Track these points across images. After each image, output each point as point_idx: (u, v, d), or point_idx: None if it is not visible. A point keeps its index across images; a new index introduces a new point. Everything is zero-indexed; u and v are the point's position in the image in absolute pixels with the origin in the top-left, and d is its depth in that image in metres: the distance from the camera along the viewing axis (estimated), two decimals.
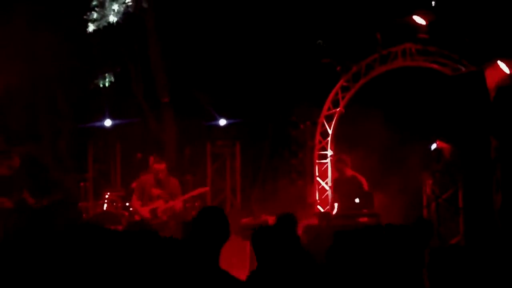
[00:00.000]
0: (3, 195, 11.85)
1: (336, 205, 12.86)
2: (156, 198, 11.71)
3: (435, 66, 12.70)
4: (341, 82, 13.58)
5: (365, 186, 12.39)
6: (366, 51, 13.34)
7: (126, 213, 12.94)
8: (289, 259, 5.97)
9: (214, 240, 5.07)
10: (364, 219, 11.57)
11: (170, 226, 11.40)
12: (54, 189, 13.37)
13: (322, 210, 13.17)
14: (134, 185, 12.43)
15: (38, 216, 12.01)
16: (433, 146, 11.88)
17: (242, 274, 7.03)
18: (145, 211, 11.78)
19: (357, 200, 11.74)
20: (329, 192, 13.30)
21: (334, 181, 13.01)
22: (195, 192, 12.33)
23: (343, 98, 13.60)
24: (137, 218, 11.99)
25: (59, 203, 12.65)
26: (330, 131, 13.71)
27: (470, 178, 11.48)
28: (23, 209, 11.83)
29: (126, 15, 15.77)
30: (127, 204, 13.13)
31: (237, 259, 11.36)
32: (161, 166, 11.92)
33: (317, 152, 13.81)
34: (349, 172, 12.56)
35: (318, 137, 13.82)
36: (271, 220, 13.55)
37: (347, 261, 5.02)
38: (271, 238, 6.98)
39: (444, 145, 11.79)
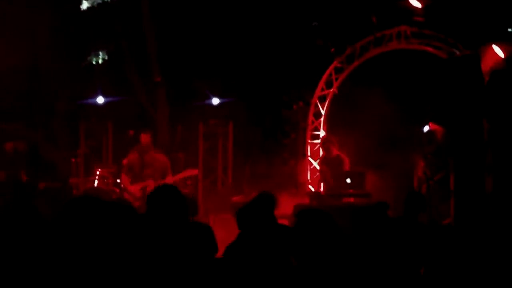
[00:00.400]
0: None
1: (322, 184, 12.86)
2: (145, 176, 11.71)
3: (430, 49, 12.70)
4: (335, 63, 13.58)
5: (347, 165, 12.37)
6: (361, 33, 13.32)
7: (117, 190, 12.89)
8: (262, 235, 6.04)
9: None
10: (355, 199, 11.57)
11: None
12: (47, 170, 13.36)
13: (313, 189, 13.21)
14: (125, 161, 12.39)
15: (28, 190, 12.02)
16: (426, 128, 11.89)
17: None
18: (135, 189, 11.76)
19: (348, 180, 11.73)
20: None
21: (320, 160, 12.99)
22: (184, 174, 12.33)
23: (336, 79, 13.61)
24: (126, 195, 11.92)
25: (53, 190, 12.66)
26: (323, 112, 13.72)
27: (461, 160, 11.48)
28: (15, 184, 11.86)
29: None
30: (118, 180, 13.09)
31: (227, 235, 11.33)
32: (146, 137, 11.89)
33: (310, 132, 13.83)
34: (335, 151, 12.53)
35: (310, 117, 13.83)
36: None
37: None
38: (247, 215, 7.08)
39: (436, 127, 11.79)
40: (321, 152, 13.14)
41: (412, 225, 7.75)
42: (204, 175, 14.74)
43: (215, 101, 15.39)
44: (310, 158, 13.67)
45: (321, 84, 13.70)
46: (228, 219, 12.25)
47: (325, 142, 12.82)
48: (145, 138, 11.80)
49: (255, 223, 7.06)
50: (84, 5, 15.84)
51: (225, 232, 11.26)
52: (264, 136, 15.04)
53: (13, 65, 13.99)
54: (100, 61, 15.99)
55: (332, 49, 13.54)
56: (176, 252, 5.04)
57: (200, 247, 5.82)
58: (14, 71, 14.17)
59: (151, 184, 11.49)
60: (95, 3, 15.82)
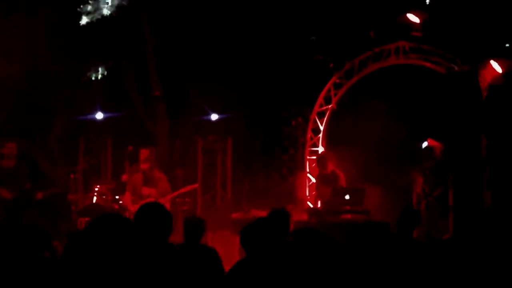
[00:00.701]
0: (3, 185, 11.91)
1: (319, 201, 12.86)
2: (146, 197, 11.63)
3: (428, 64, 12.72)
4: (334, 79, 13.60)
5: (342, 181, 12.37)
6: (360, 49, 13.35)
7: (116, 206, 12.86)
8: (280, 252, 5.97)
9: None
10: (354, 216, 11.54)
11: None
12: (47, 182, 13.38)
13: (311, 206, 13.19)
14: (124, 177, 12.35)
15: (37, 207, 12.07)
16: (424, 144, 11.88)
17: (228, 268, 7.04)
18: (135, 209, 11.61)
19: (347, 197, 11.71)
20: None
21: (316, 177, 12.98)
22: (184, 190, 12.21)
23: (335, 95, 13.62)
24: (127, 215, 11.83)
25: (53, 196, 12.68)
26: (321, 128, 13.73)
27: (460, 176, 11.48)
28: (24, 201, 11.86)
29: (119, 8, 15.73)
30: (117, 197, 13.07)
31: (226, 253, 11.33)
32: (145, 153, 11.77)
33: (308, 148, 13.83)
34: (330, 167, 12.52)
35: (309, 133, 13.84)
36: (261, 215, 13.55)
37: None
38: (261, 232, 7.00)
39: (435, 143, 11.79)
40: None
41: (407, 241, 7.73)
42: (203, 191, 14.72)
43: (214, 116, 15.39)
44: (309, 174, 13.66)
45: (320, 100, 13.71)
46: (227, 236, 12.25)
47: (320, 158, 12.82)
48: (144, 153, 11.67)
49: (269, 241, 7.01)
50: (83, 21, 15.84)
51: (224, 249, 11.28)
52: (263, 152, 15.03)
53: (11, 79, 14.03)
54: (99, 77, 15.99)
55: (331, 65, 13.56)
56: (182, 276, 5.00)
57: (206, 271, 5.79)
58: (12, 85, 14.22)
59: None
60: (94, 19, 15.84)
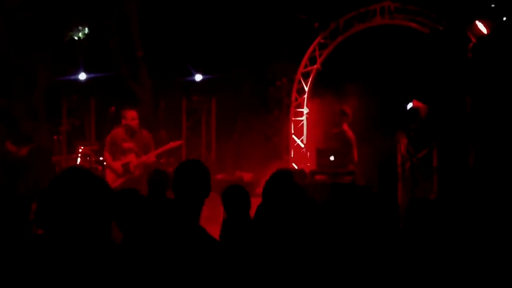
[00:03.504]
0: None
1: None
2: (128, 151, 11.33)
3: (413, 25, 12.64)
4: (319, 39, 13.51)
5: (350, 144, 12.20)
6: (345, 8, 13.25)
7: (100, 167, 12.81)
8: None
9: (196, 196, 4.74)
10: (339, 177, 11.56)
11: (143, 181, 11.10)
12: (29, 142, 13.30)
13: (296, 167, 13.19)
14: (107, 138, 12.24)
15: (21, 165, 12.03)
16: (409, 105, 11.85)
17: (215, 228, 7.06)
18: (117, 166, 11.39)
19: (332, 158, 11.71)
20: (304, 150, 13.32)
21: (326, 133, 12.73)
22: (168, 146, 11.88)
23: (320, 55, 13.54)
24: (108, 173, 11.67)
25: (37, 151, 12.61)
26: (306, 88, 13.68)
27: (445, 137, 11.50)
28: (6, 160, 11.84)
29: None
30: (101, 158, 12.99)
31: (211, 213, 11.33)
32: (133, 114, 11.50)
33: (293, 109, 13.79)
34: (344, 126, 12.34)
35: (294, 94, 13.78)
36: (245, 176, 13.56)
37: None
38: (241, 194, 7.03)
39: (419, 104, 11.76)
40: (304, 130, 13.10)
41: (388, 197, 7.73)
42: (187, 152, 14.67)
43: (198, 77, 15.28)
44: (293, 136, 13.64)
45: (305, 60, 13.64)
46: (211, 196, 12.22)
47: (337, 114, 12.55)
48: (130, 114, 11.41)
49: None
50: None
51: (209, 210, 11.28)
52: (248, 112, 14.95)
53: None
54: (81, 37, 15.81)
55: (316, 24, 13.46)
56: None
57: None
58: None
59: (133, 160, 11.21)
60: None
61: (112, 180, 10.97)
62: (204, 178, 4.81)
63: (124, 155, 11.28)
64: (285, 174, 7.90)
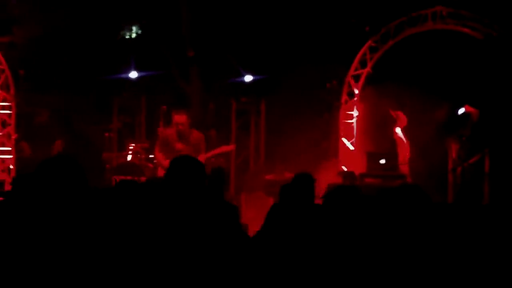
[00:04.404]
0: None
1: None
2: (179, 151, 11.41)
3: (466, 30, 12.60)
4: (369, 43, 13.52)
5: (402, 148, 12.13)
6: (396, 13, 13.25)
7: (150, 165, 12.92)
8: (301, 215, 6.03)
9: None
10: (389, 180, 11.55)
11: None
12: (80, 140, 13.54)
13: (346, 169, 13.20)
14: (160, 136, 12.28)
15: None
16: (461, 110, 11.80)
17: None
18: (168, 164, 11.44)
19: (382, 161, 11.72)
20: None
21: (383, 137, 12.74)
22: (219, 150, 11.97)
23: (371, 58, 13.54)
24: (160, 171, 11.80)
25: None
26: (356, 91, 13.69)
27: (497, 143, 11.43)
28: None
29: None
30: (151, 156, 13.12)
31: (260, 214, 11.39)
32: (182, 118, 11.56)
33: (343, 112, 13.80)
34: (394, 131, 12.32)
35: (344, 96, 13.80)
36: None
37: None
38: (288, 195, 7.09)
39: (471, 109, 11.71)
40: (354, 132, 13.08)
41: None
42: (237, 153, 14.73)
43: (248, 78, 15.34)
44: (343, 139, 13.65)
45: (355, 63, 13.66)
46: (260, 197, 12.30)
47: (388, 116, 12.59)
48: (179, 119, 11.48)
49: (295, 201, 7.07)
50: None
51: (256, 210, 11.35)
52: (297, 114, 14.97)
53: (45, 39, 14.11)
54: (133, 36, 16.00)
55: (367, 28, 13.49)
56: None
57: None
58: (45, 45, 14.30)
59: None
60: None
61: None
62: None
63: (176, 155, 11.33)
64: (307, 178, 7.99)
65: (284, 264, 4.69)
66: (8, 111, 13.66)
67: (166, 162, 11.44)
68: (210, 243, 4.72)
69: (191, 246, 4.64)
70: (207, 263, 4.54)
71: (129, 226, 4.84)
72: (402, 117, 12.48)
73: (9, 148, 13.36)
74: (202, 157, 11.47)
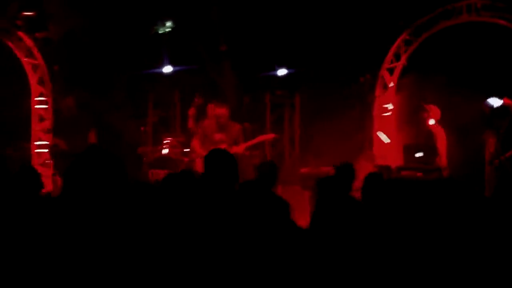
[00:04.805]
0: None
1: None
2: (219, 142, 11.54)
3: (502, 22, 12.50)
4: (404, 36, 13.49)
5: (439, 141, 12.05)
6: (430, 5, 13.20)
7: (186, 159, 13.03)
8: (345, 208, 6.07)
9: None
10: (425, 174, 11.52)
11: None
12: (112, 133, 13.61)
13: (382, 163, 13.18)
14: (199, 126, 12.21)
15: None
16: (499, 102, 11.70)
17: (301, 222, 7.16)
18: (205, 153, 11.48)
19: (419, 154, 11.69)
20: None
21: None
22: (259, 139, 12.12)
23: (405, 51, 13.51)
24: (199, 162, 11.77)
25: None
26: (391, 84, 13.66)
27: None
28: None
29: None
30: (186, 150, 13.23)
31: (297, 207, 11.42)
32: (222, 110, 11.78)
33: (377, 105, 13.78)
34: (428, 124, 12.24)
35: (378, 89, 13.78)
36: (331, 171, 13.61)
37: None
38: (332, 187, 7.12)
39: (510, 102, 11.61)
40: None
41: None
42: (271, 146, 14.75)
43: (282, 71, 15.35)
44: (378, 133, 13.62)
45: (390, 56, 13.63)
46: (296, 190, 12.35)
47: (420, 111, 12.50)
48: (220, 111, 11.68)
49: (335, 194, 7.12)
50: None
51: (293, 203, 11.37)
52: (331, 108, 14.97)
53: (78, 31, 14.22)
54: (166, 31, 16.06)
55: (401, 22, 13.47)
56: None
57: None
58: (78, 41, 14.42)
59: None
60: None
61: None
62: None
63: (215, 146, 11.44)
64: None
65: (340, 259, 4.73)
66: (44, 106, 13.86)
67: (201, 150, 11.53)
68: (262, 238, 4.77)
69: (243, 241, 4.69)
70: (258, 258, 4.59)
71: (177, 220, 4.90)
72: (435, 110, 12.42)
73: (47, 142, 13.56)
74: (242, 146, 11.61)
